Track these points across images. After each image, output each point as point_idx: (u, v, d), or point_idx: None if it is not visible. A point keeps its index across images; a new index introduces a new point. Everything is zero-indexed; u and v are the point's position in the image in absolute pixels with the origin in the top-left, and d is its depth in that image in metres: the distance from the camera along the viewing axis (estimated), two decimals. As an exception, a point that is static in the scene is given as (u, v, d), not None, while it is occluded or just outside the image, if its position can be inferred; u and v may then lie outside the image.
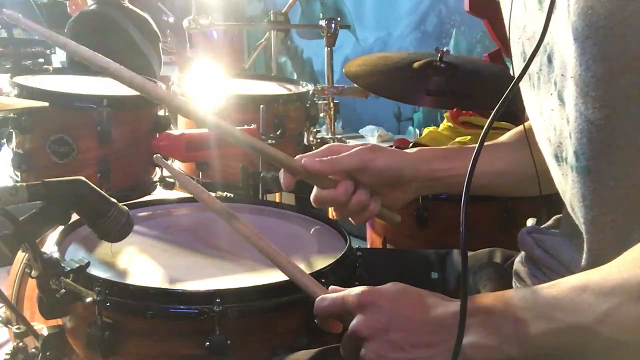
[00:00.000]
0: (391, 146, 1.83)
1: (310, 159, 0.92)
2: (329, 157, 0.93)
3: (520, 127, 0.96)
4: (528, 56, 0.67)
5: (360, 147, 0.95)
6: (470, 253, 1.11)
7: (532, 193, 0.92)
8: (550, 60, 0.70)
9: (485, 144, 0.99)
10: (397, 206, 1.01)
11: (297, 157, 0.94)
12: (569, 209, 0.74)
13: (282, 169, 0.93)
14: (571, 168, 0.69)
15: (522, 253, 0.89)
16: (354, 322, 0.69)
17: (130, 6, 3.15)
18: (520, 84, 0.79)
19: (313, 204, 0.95)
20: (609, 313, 0.57)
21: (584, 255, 0.71)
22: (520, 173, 0.97)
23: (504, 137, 1.04)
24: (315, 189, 0.94)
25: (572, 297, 0.60)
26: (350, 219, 0.98)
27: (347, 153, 0.94)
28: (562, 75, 0.67)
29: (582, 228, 0.70)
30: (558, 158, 0.73)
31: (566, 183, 0.72)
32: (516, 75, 0.68)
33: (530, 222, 0.92)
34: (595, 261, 0.65)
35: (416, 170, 0.96)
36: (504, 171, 0.99)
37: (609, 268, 0.60)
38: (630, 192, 0.64)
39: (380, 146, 0.98)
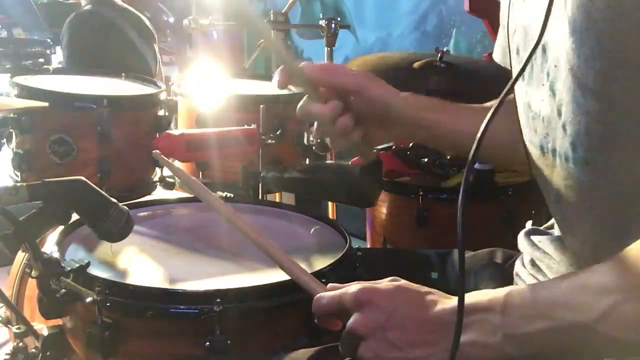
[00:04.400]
0: (391, 146, 1.83)
1: (311, 64, 0.93)
2: (329, 69, 0.94)
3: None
4: (528, 49, 0.67)
5: (361, 72, 0.97)
6: (470, 253, 1.11)
7: (518, 165, 0.92)
8: (545, 50, 0.70)
9: (474, 105, 1.01)
10: (375, 144, 1.02)
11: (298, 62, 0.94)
12: (552, 200, 0.74)
13: (279, 68, 0.93)
14: (565, 159, 0.69)
15: (523, 254, 0.89)
16: (350, 320, 0.68)
17: (124, 5, 3.15)
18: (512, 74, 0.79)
19: (298, 114, 0.95)
20: (607, 311, 0.57)
21: (577, 250, 0.71)
22: (506, 140, 0.95)
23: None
24: (304, 99, 0.94)
25: (570, 296, 0.60)
26: (328, 141, 0.98)
27: (347, 72, 0.95)
28: (555, 66, 0.67)
29: (571, 219, 0.70)
30: (543, 148, 0.73)
31: (551, 174, 0.72)
32: (515, 71, 0.68)
33: (528, 224, 0.92)
34: (590, 256, 0.65)
35: (403, 111, 0.96)
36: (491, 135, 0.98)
37: (607, 266, 0.60)
38: (628, 183, 0.64)
39: (378, 78, 0.98)
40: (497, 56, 1.00)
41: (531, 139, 0.77)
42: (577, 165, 0.67)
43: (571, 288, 0.61)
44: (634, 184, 0.64)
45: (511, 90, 0.67)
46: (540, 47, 0.70)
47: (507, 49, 0.86)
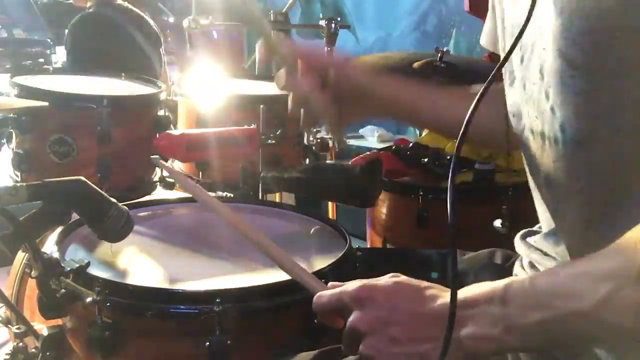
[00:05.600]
0: (391, 146, 1.83)
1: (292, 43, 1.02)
2: (310, 47, 1.02)
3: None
4: (517, 33, 0.67)
5: (340, 56, 1.05)
6: (470, 254, 1.11)
7: (497, 146, 0.96)
8: (541, 33, 0.70)
9: (455, 88, 1.09)
10: (349, 120, 1.05)
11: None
12: (542, 184, 0.74)
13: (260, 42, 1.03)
14: (555, 141, 0.69)
15: (521, 256, 0.89)
16: (351, 318, 0.69)
17: (130, 6, 3.15)
18: (511, 59, 0.79)
19: (276, 83, 0.99)
20: (607, 298, 0.57)
21: (567, 234, 0.72)
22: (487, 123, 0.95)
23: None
24: (283, 70, 0.98)
25: (570, 284, 0.60)
26: (302, 118, 1.02)
27: (327, 55, 1.06)
28: (543, 49, 0.68)
29: (560, 202, 0.70)
30: (533, 131, 0.74)
31: (541, 157, 0.72)
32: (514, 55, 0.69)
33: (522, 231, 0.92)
34: (580, 239, 0.65)
35: (378, 89, 1.01)
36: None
37: (605, 253, 0.60)
38: (617, 162, 0.65)
39: (355, 61, 1.05)
40: (485, 41, 0.99)
41: (524, 122, 0.77)
42: (567, 147, 0.68)
43: (570, 276, 0.61)
44: (623, 164, 0.65)
45: (500, 74, 0.67)
46: (537, 29, 0.70)
47: (495, 34, 0.86)
